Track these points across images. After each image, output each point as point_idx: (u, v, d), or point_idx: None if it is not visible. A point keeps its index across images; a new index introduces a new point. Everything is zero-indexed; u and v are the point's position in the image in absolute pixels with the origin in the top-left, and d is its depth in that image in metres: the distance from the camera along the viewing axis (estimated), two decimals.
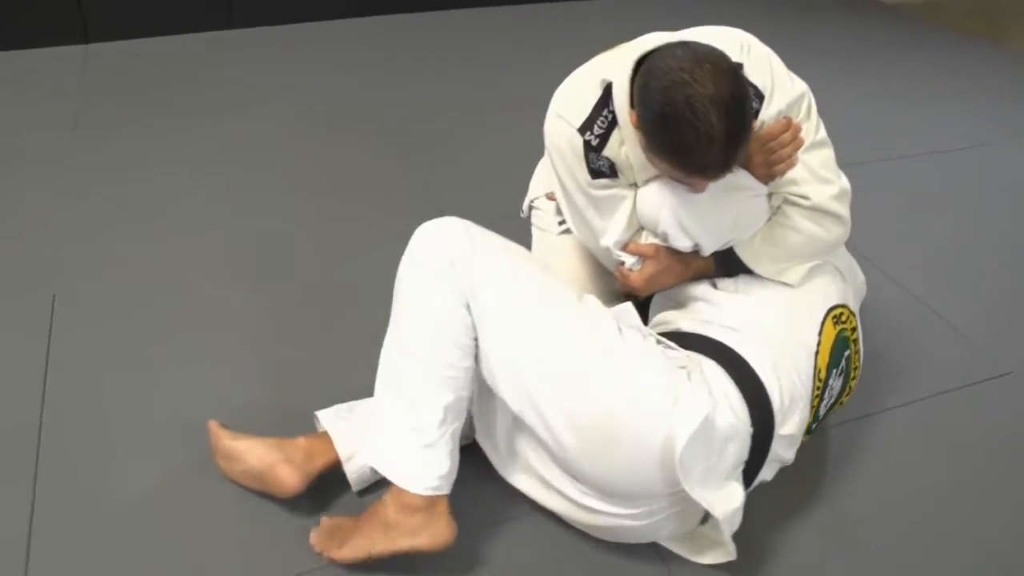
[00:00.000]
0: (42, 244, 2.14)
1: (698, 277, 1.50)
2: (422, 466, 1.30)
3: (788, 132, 1.35)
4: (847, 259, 1.59)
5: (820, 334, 1.39)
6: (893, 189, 2.64)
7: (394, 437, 1.31)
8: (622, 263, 1.51)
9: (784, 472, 1.43)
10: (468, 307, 1.28)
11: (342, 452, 1.43)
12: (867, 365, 1.71)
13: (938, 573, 1.42)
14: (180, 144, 2.66)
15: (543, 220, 1.76)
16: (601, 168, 1.41)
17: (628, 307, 1.35)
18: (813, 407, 1.38)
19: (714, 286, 1.47)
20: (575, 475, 1.30)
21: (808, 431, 1.41)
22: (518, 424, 1.34)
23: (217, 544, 1.39)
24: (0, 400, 1.66)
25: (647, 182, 1.42)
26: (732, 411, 1.26)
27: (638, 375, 1.25)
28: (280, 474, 1.40)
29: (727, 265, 1.46)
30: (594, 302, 1.34)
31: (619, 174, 1.42)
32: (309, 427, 1.51)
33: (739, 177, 1.37)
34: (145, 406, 1.66)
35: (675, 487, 1.24)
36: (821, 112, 1.45)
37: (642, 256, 1.48)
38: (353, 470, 1.44)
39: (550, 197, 1.73)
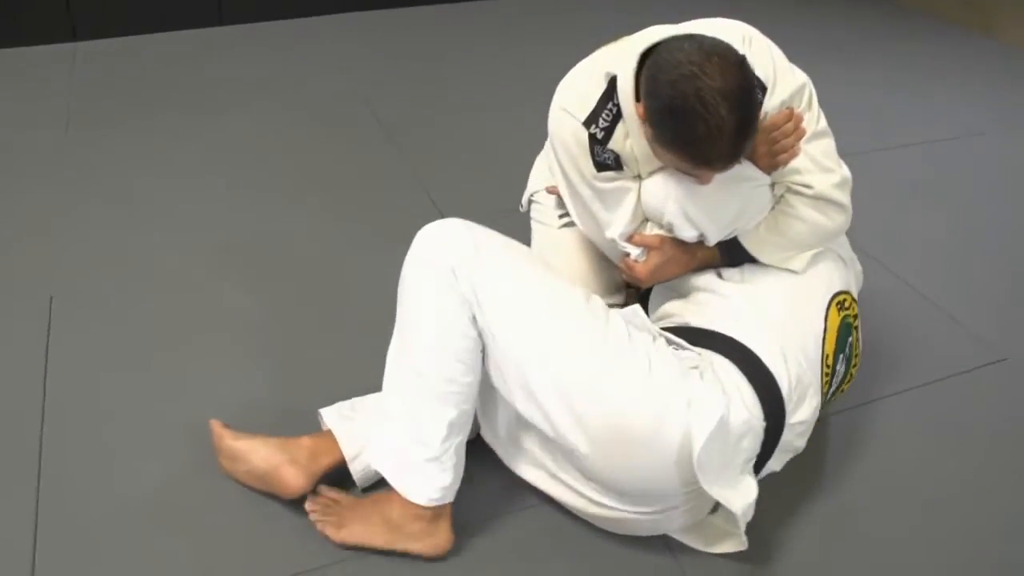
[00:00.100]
0: (36, 245, 2.13)
1: (703, 267, 1.51)
2: (426, 479, 1.31)
3: (791, 123, 1.37)
4: (847, 247, 1.61)
5: (826, 320, 1.40)
6: (887, 179, 2.66)
7: (399, 448, 1.32)
8: (627, 254, 1.51)
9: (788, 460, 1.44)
10: (473, 317, 1.27)
11: (347, 452, 1.43)
12: (864, 353, 1.73)
13: (941, 558, 1.44)
14: (174, 143, 2.65)
15: (543, 214, 1.77)
16: (606, 161, 1.42)
17: (637, 309, 1.34)
18: (823, 393, 1.40)
19: (720, 276, 1.48)
20: (589, 476, 1.31)
21: None
22: (522, 420, 1.35)
23: (219, 544, 1.39)
24: (0, 404, 1.65)
25: (652, 174, 1.43)
26: (745, 407, 1.27)
27: (651, 379, 1.24)
28: (285, 475, 1.40)
29: (732, 255, 1.48)
30: (601, 305, 1.33)
31: (624, 166, 1.43)
32: (310, 426, 1.51)
33: (743, 168, 1.38)
34: (145, 406, 1.66)
35: (691, 486, 1.25)
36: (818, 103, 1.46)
37: (647, 247, 1.49)
38: (358, 469, 1.44)
39: (550, 191, 1.74)
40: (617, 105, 1.38)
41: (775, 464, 1.39)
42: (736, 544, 1.35)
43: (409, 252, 1.32)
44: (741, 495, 1.26)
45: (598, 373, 1.24)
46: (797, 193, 1.44)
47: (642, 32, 1.38)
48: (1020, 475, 1.61)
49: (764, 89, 1.36)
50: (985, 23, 4.00)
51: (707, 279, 1.48)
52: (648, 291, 1.64)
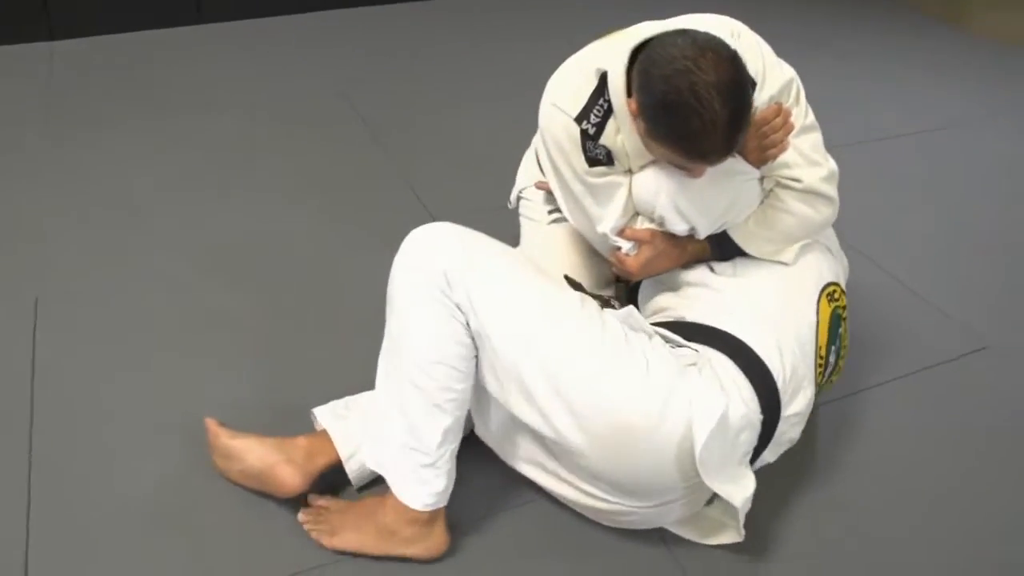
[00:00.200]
0: (18, 246, 2.10)
1: (693, 261, 1.52)
2: (422, 483, 1.31)
3: (779, 117, 1.38)
4: (834, 238, 1.63)
5: (818, 312, 1.42)
6: (868, 170, 2.69)
7: (394, 453, 1.32)
8: (618, 248, 1.52)
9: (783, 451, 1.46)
10: (467, 324, 1.26)
11: (342, 452, 1.43)
12: (851, 344, 1.75)
13: (933, 545, 1.47)
14: (156, 143, 2.63)
15: (532, 210, 1.78)
16: (598, 156, 1.43)
17: (632, 310, 1.35)
18: (817, 383, 1.41)
19: (712, 271, 1.49)
20: (589, 474, 1.31)
21: None
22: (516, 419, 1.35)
23: (216, 544, 1.39)
24: None
25: (643, 168, 1.44)
26: (743, 402, 1.28)
27: (649, 378, 1.24)
28: (281, 474, 1.39)
29: (722, 248, 1.49)
30: (595, 307, 1.33)
31: (615, 161, 1.44)
32: (304, 426, 1.51)
33: (733, 162, 1.39)
34: (135, 407, 1.65)
35: (690, 480, 1.26)
36: None
37: (638, 241, 1.50)
38: (354, 468, 1.44)
39: (539, 186, 1.74)
40: (608, 101, 1.38)
41: (770, 456, 1.41)
42: (732, 535, 1.37)
43: (398, 257, 1.32)
44: (741, 488, 1.27)
45: (596, 374, 1.24)
46: (786, 187, 1.46)
47: (632, 28, 1.39)
48: (1007, 462, 1.64)
49: (754, 84, 1.37)
50: (955, 14, 4.07)
51: (699, 273, 1.50)
52: (637, 285, 1.66)
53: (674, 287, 1.54)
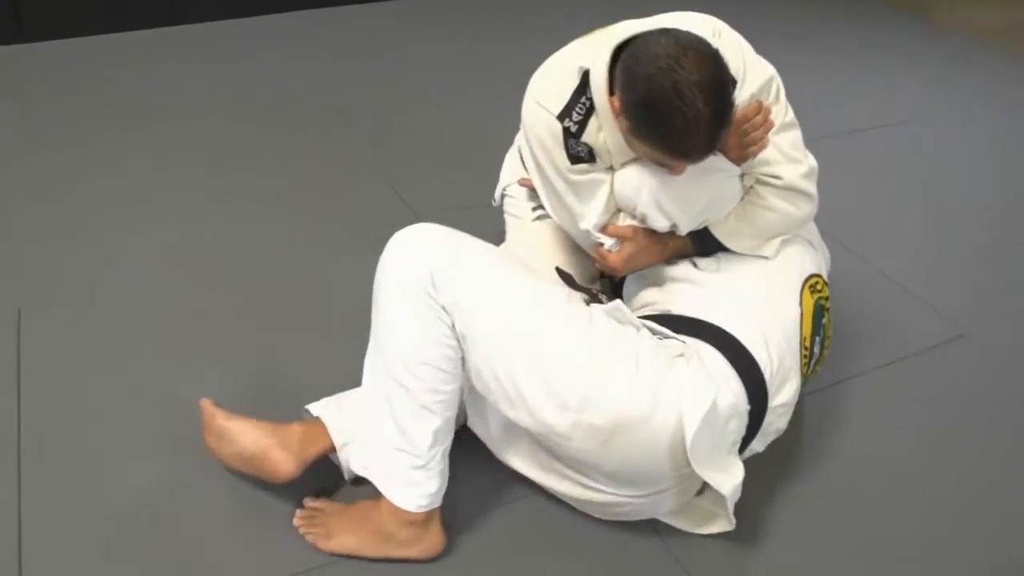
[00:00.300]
0: None
1: (675, 257, 1.54)
2: (414, 486, 1.32)
3: (760, 115, 1.39)
4: (815, 232, 1.65)
5: (801, 304, 1.45)
6: (845, 161, 2.72)
7: (385, 456, 1.32)
8: (601, 245, 1.54)
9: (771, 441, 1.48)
10: (452, 326, 1.26)
11: (336, 440, 1.42)
12: (833, 335, 1.78)
13: (917, 527, 1.50)
14: (134, 146, 2.60)
15: (516, 207, 1.79)
16: (580, 153, 1.44)
17: (619, 304, 1.36)
18: (803, 374, 1.44)
19: (696, 266, 1.51)
20: (583, 467, 1.33)
21: None
22: None
23: (214, 544, 1.39)
24: None
25: (624, 165, 1.46)
26: (731, 391, 1.30)
27: (639, 371, 1.26)
28: (275, 458, 1.38)
29: (703, 244, 1.51)
30: (582, 302, 1.34)
31: (597, 158, 1.46)
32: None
33: (714, 160, 1.41)
34: (123, 410, 1.64)
35: (682, 470, 1.28)
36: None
37: (620, 237, 1.51)
38: (346, 459, 1.44)
39: (523, 183, 1.75)
40: (590, 99, 1.40)
41: (758, 445, 1.43)
42: (723, 524, 1.39)
43: (382, 258, 1.32)
44: (730, 477, 1.30)
45: (587, 369, 1.25)
46: (766, 184, 1.48)
47: (614, 26, 1.40)
48: (986, 450, 1.68)
49: (734, 83, 1.38)
50: (917, 5, 4.14)
51: (683, 269, 1.52)
52: (622, 281, 1.67)
53: (658, 282, 1.56)
